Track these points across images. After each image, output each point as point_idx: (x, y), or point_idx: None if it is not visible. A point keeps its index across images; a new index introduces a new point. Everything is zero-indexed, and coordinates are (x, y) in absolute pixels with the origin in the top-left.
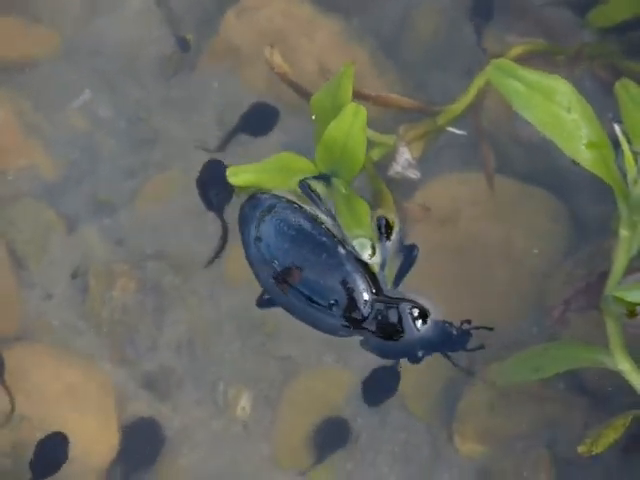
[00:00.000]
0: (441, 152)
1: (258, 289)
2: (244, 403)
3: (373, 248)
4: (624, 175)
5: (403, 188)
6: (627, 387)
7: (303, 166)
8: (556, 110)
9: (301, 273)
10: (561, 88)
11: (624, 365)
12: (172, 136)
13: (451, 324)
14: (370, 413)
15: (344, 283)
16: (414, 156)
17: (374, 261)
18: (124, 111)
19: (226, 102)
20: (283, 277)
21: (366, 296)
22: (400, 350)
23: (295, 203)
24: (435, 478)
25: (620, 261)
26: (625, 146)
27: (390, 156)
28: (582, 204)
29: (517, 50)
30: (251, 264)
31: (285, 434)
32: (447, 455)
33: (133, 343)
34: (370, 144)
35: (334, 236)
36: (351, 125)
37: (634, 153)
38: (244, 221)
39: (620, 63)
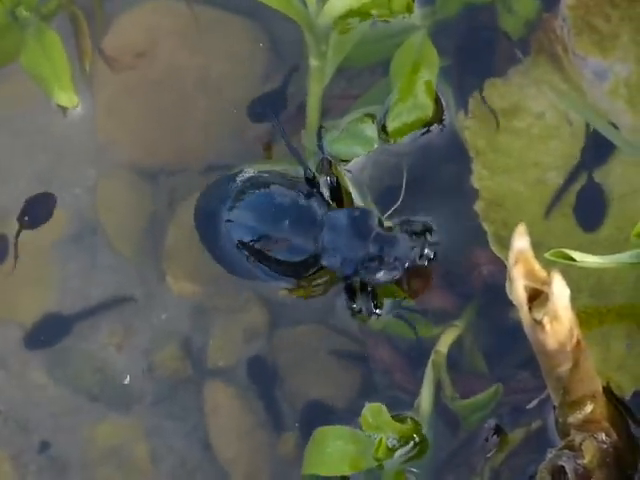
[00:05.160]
0: None
1: None
2: None
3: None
4: (306, 5)
5: (97, 26)
6: None
7: None
8: None
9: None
10: None
11: None
12: None
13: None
14: (77, 253)
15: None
16: None
17: None
18: None
19: None
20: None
21: None
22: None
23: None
24: (152, 318)
25: (314, 91)
26: None
27: None
28: (279, 27)
29: None
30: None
31: None
32: (161, 294)
33: None
34: None
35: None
36: None
37: None
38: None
39: None
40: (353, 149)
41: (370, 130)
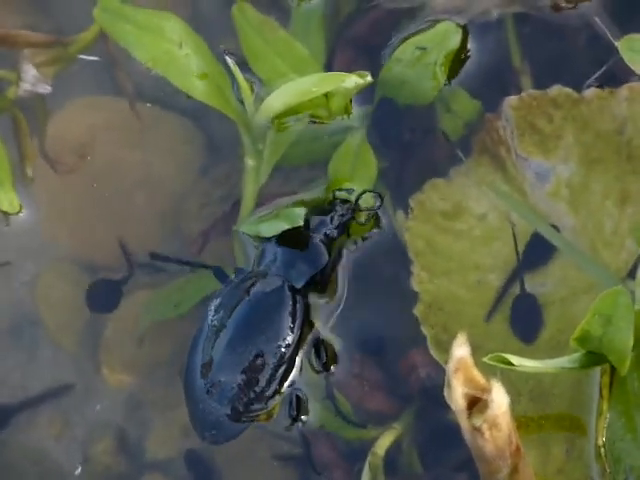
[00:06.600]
0: (71, 78)
1: None
2: None
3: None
4: (244, 104)
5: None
6: None
7: None
8: (167, 47)
9: None
10: (170, 25)
11: None
12: None
13: None
14: (16, 350)
15: None
16: (45, 81)
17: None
18: None
19: None
20: None
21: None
22: None
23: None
24: (87, 411)
25: (249, 190)
26: (239, 76)
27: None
28: (214, 125)
29: None
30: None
31: None
32: (97, 386)
33: None
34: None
35: None
36: None
37: (250, 82)
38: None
39: None
40: (278, 225)
41: (299, 210)
